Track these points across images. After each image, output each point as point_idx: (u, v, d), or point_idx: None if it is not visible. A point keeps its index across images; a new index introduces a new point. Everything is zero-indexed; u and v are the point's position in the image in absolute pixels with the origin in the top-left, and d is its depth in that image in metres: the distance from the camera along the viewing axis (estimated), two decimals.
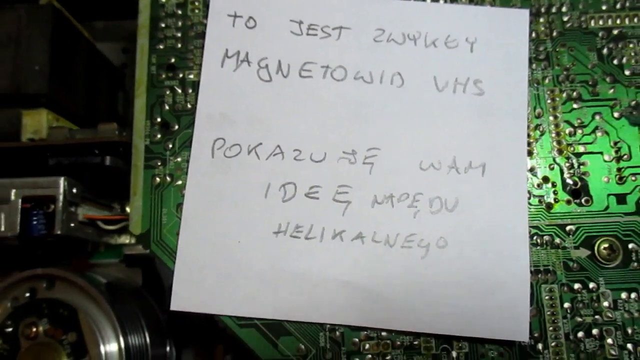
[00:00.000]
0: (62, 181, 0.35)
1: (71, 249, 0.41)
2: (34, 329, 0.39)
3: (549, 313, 0.33)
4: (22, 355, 0.39)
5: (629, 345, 0.32)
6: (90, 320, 0.38)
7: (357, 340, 0.33)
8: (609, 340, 0.33)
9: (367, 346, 0.33)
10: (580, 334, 0.33)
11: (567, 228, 0.34)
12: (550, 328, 0.33)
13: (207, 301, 0.33)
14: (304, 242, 0.33)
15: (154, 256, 0.42)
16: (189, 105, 0.36)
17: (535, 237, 0.34)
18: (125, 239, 0.42)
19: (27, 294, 0.40)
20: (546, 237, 0.34)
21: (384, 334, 0.33)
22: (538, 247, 0.34)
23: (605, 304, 0.33)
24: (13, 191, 0.35)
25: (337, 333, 0.33)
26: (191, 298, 0.33)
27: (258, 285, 0.33)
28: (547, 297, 0.33)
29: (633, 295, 0.33)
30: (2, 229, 0.35)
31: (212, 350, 0.42)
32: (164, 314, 0.44)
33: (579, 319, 0.33)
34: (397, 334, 0.33)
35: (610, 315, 0.33)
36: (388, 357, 0.32)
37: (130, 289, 0.42)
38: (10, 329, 0.39)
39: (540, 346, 0.32)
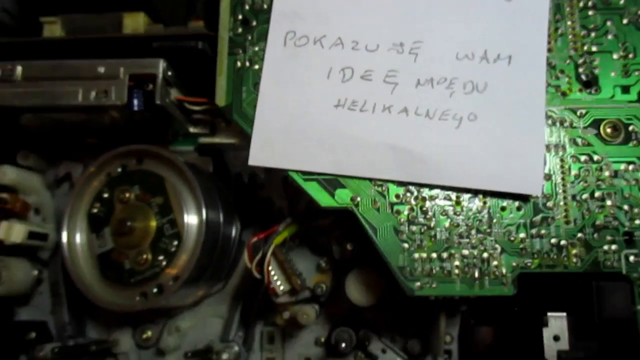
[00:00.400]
0: (161, 62, 0.43)
1: (156, 131, 0.49)
2: (127, 195, 0.47)
3: (559, 179, 0.40)
4: (116, 216, 0.47)
5: (625, 206, 0.39)
6: (175, 188, 0.46)
7: (399, 193, 0.40)
8: (609, 202, 0.39)
9: (407, 199, 0.40)
10: (585, 196, 0.39)
11: (578, 112, 0.41)
12: (560, 190, 0.40)
13: (277, 159, 0.40)
14: (358, 114, 0.40)
15: (222, 148, 0.50)
16: (265, 6, 0.43)
17: (550, 119, 0.41)
18: (201, 129, 0.50)
19: (119, 169, 0.48)
20: (560, 118, 0.41)
21: (421, 189, 0.40)
22: (552, 126, 0.40)
23: (607, 173, 0.40)
24: (122, 69, 0.43)
25: (383, 187, 0.40)
26: (265, 156, 0.41)
27: (320, 147, 0.40)
28: (558, 165, 0.40)
29: (631, 166, 0.40)
30: (113, 99, 0.43)
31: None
32: (231, 196, 0.51)
33: (584, 184, 0.40)
34: (432, 187, 0.40)
35: (611, 182, 0.39)
36: (424, 208, 0.40)
37: (206, 172, 0.50)
38: (106, 195, 0.48)
39: (550, 203, 0.39)
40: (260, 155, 0.41)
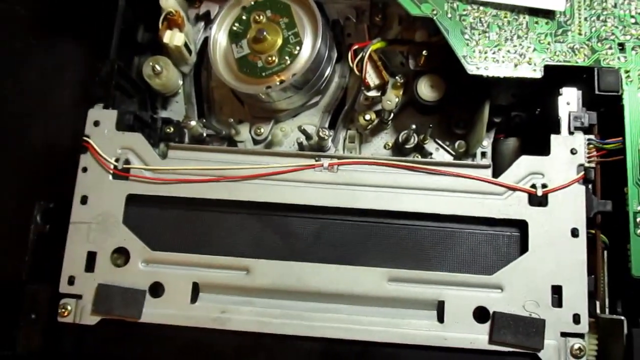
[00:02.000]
0: None
1: None
2: (260, 16, 0.65)
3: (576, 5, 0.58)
4: (252, 31, 0.64)
5: (619, 26, 0.57)
6: (298, 14, 0.64)
7: (467, 8, 0.58)
8: (609, 23, 0.57)
9: (470, 10, 0.58)
10: (593, 18, 0.57)
11: None
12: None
13: None
14: None
15: None
16: None
17: None
18: None
19: (252, 2, 0.66)
20: None
21: (480, 7, 0.58)
22: None
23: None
24: None
25: (455, 4, 0.58)
26: None
27: None
28: None
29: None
30: None
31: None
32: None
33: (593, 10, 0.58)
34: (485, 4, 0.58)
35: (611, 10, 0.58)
36: (484, 19, 0.58)
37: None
38: (244, 17, 0.65)
39: (569, 21, 0.57)
40: None
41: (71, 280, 0.53)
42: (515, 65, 0.57)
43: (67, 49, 0.74)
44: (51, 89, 0.72)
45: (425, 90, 0.62)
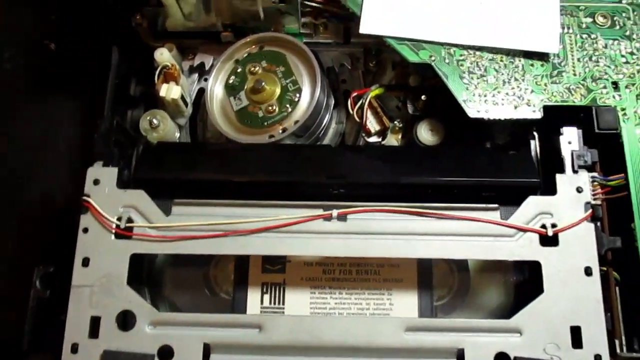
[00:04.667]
0: None
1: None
2: (256, 67, 0.65)
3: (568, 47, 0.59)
4: (249, 82, 0.64)
5: (612, 66, 0.59)
6: (294, 62, 0.64)
7: (463, 53, 0.59)
8: (601, 63, 0.59)
9: (467, 57, 0.59)
10: (586, 59, 0.59)
11: None
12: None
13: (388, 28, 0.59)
14: None
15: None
16: None
17: None
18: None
19: (245, 55, 0.66)
20: None
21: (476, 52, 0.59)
22: None
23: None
24: None
25: (451, 50, 0.59)
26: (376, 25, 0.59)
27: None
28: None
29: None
30: None
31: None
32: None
33: (585, 52, 0.59)
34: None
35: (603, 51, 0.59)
36: (480, 63, 0.59)
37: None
38: (239, 70, 0.65)
39: (563, 63, 0.59)
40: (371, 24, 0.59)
41: (74, 348, 0.50)
42: (515, 107, 0.57)
43: (61, 104, 0.72)
44: (46, 145, 0.70)
45: (425, 134, 0.62)
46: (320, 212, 0.54)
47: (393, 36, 0.59)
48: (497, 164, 0.57)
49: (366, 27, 0.60)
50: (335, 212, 0.54)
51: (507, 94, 0.58)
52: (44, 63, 0.73)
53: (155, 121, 0.64)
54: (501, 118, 0.57)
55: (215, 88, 0.66)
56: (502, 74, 0.59)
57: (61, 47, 0.72)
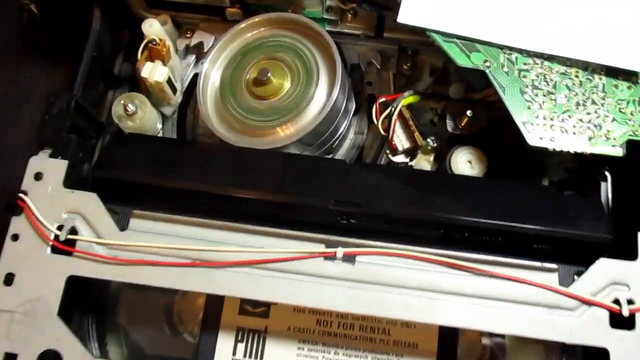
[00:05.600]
0: None
1: None
2: (263, 54, 0.52)
3: None
4: (252, 72, 0.52)
5: None
6: (313, 53, 0.51)
7: (528, 61, 0.46)
8: None
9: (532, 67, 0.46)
10: None
11: None
12: None
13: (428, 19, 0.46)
14: None
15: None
16: None
17: None
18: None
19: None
20: None
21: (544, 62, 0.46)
22: None
23: None
24: None
25: (513, 56, 0.46)
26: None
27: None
28: None
29: None
30: None
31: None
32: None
33: None
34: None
35: None
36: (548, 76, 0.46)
37: None
38: (244, 53, 0.53)
39: None
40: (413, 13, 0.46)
41: None
42: (590, 138, 0.44)
43: (34, 78, 0.62)
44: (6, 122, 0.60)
45: (461, 165, 0.49)
46: (321, 247, 0.41)
47: (439, 30, 0.46)
48: (559, 209, 0.44)
49: (406, 16, 0.47)
50: (340, 251, 0.41)
51: (580, 120, 0.45)
52: (18, 29, 0.62)
53: (131, 107, 0.51)
54: (570, 150, 0.44)
55: (212, 74, 0.53)
56: (576, 94, 0.45)
57: (43, 11, 0.61)
